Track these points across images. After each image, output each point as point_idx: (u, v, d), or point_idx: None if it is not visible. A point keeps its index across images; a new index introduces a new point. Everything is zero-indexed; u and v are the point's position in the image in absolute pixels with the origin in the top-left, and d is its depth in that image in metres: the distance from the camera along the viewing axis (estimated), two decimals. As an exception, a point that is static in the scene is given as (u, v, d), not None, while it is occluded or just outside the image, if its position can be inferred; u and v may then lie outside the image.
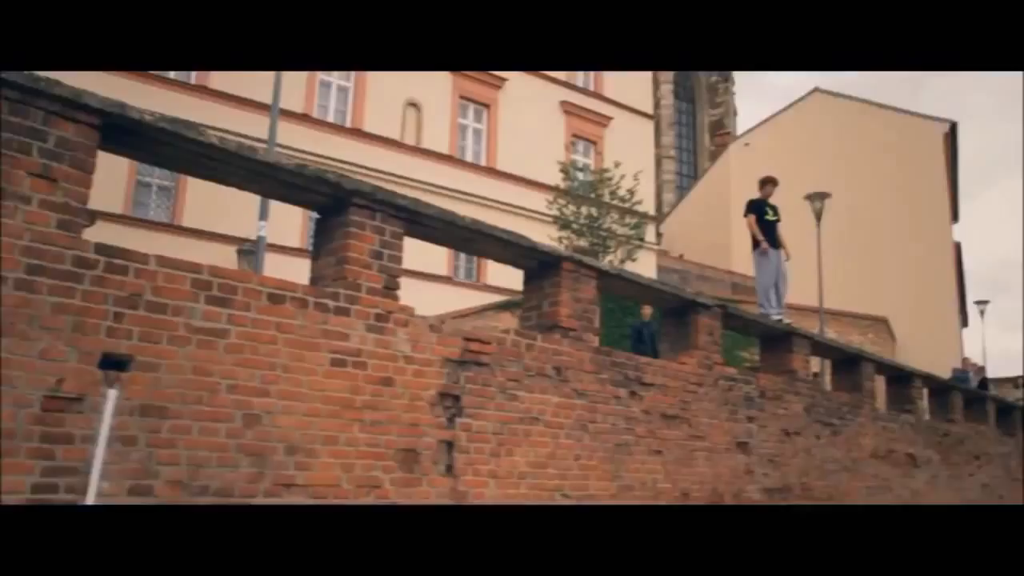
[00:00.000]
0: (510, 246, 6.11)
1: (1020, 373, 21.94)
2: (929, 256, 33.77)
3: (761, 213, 10.59)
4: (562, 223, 18.33)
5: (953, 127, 36.03)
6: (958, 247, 39.57)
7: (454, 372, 5.46)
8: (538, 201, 19.98)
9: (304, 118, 19.31)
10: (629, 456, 6.86)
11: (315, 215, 5.20)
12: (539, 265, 6.52)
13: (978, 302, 30.51)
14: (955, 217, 39.49)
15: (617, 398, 6.78)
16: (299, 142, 18.29)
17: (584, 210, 18.57)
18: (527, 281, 6.68)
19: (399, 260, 5.21)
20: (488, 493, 5.55)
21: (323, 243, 5.04)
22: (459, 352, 5.51)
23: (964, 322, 41.38)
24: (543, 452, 6.04)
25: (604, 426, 6.62)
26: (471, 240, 5.95)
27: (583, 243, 17.84)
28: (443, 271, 20.99)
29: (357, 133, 20.22)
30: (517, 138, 22.89)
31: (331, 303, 4.75)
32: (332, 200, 4.90)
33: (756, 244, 10.42)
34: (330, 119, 20.18)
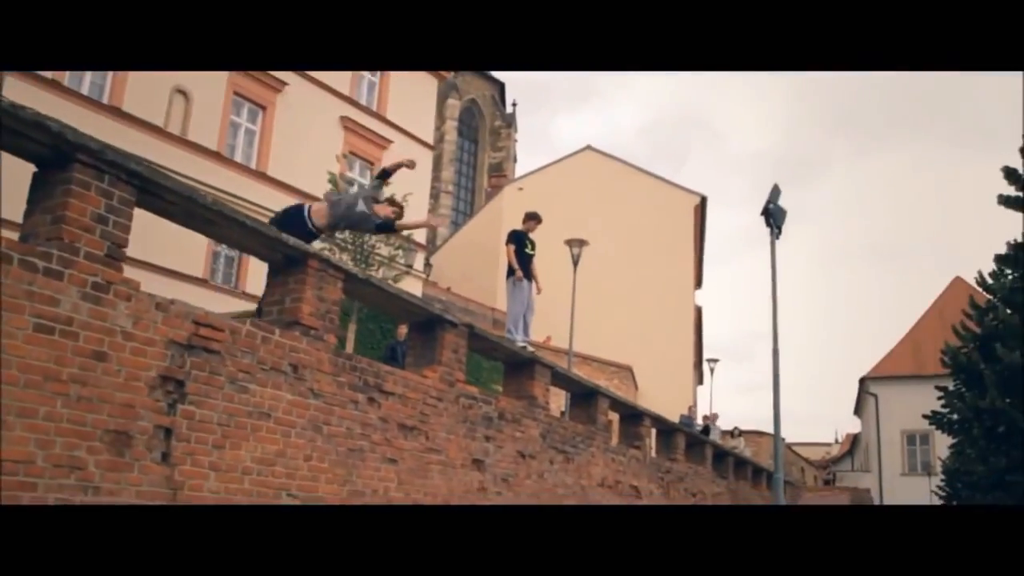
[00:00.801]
0: (255, 235, 5.90)
1: (736, 427, 24.14)
2: (673, 314, 36.45)
3: (521, 244, 10.95)
4: (326, 235, 18.02)
5: (703, 200, 39.31)
6: (699, 311, 42.92)
7: (180, 356, 5.16)
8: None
9: (53, 85, 17.61)
10: (363, 462, 6.77)
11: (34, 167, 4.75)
12: (285, 259, 6.33)
13: (709, 360, 33.31)
14: (699, 283, 42.91)
15: (355, 403, 6.69)
16: (43, 109, 16.66)
17: None
18: (272, 275, 6.47)
19: (126, 230, 4.85)
20: (207, 486, 5.26)
21: (40, 199, 4.60)
22: (187, 335, 5.21)
23: (700, 380, 44.83)
24: (271, 449, 5.82)
25: (339, 429, 6.50)
26: (213, 223, 5.67)
27: (346, 258, 17.59)
28: (199, 272, 19.94)
29: (115, 112, 18.79)
30: (292, 146, 22.22)
31: (41, 263, 4.33)
32: (53, 152, 4.49)
33: (510, 272, 10.74)
34: (84, 91, 18.59)
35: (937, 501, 32.26)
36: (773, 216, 13.02)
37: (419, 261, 27.03)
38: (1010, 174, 15.01)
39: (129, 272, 5.03)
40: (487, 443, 8.66)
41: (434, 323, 8.07)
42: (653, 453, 14.55)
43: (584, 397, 11.95)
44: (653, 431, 14.94)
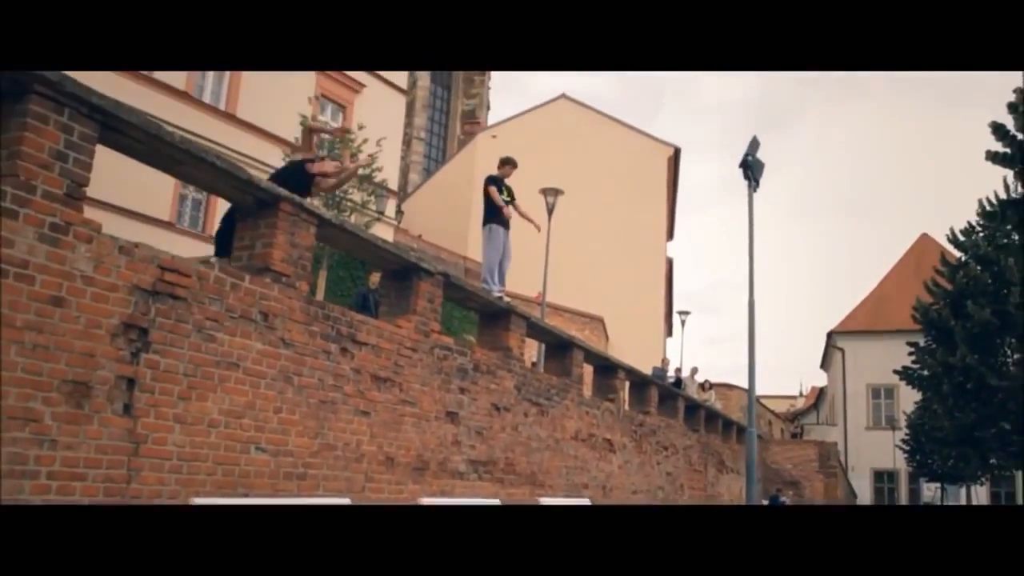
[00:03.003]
0: (224, 176, 5.60)
1: (707, 379, 24.23)
2: (645, 266, 36.43)
3: (497, 190, 10.68)
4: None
5: (677, 151, 39.07)
6: (670, 262, 42.97)
7: (144, 302, 4.90)
8: (277, 157, 19.00)
9: None
10: (334, 414, 6.57)
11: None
12: (256, 203, 6.04)
13: (680, 312, 33.33)
14: (671, 235, 42.89)
15: (327, 353, 6.47)
16: None
17: None
18: (242, 219, 6.19)
19: (88, 167, 4.56)
20: (172, 439, 5.04)
21: (-7, 132, 4.29)
22: (151, 281, 4.95)
23: (669, 332, 45.05)
24: (240, 401, 5.60)
25: (310, 380, 6.29)
26: (180, 162, 5.37)
27: (317, 203, 17.19)
28: (165, 215, 19.47)
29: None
30: (262, 88, 21.63)
31: (-7, 201, 4.05)
32: (9, 83, 4.17)
33: (486, 220, 10.48)
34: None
35: (901, 455, 32.92)
36: (751, 168, 12.83)
37: (390, 208, 26.66)
38: (998, 129, 14.84)
39: (90, 213, 4.74)
40: (462, 395, 8.50)
41: (409, 271, 7.83)
42: (626, 406, 14.52)
43: (559, 349, 11.82)
44: (627, 384, 14.91)
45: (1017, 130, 14.37)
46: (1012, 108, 14.71)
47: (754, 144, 12.71)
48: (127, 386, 4.78)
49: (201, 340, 5.30)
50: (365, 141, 17.96)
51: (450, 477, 8.29)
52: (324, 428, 6.45)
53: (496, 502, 7.97)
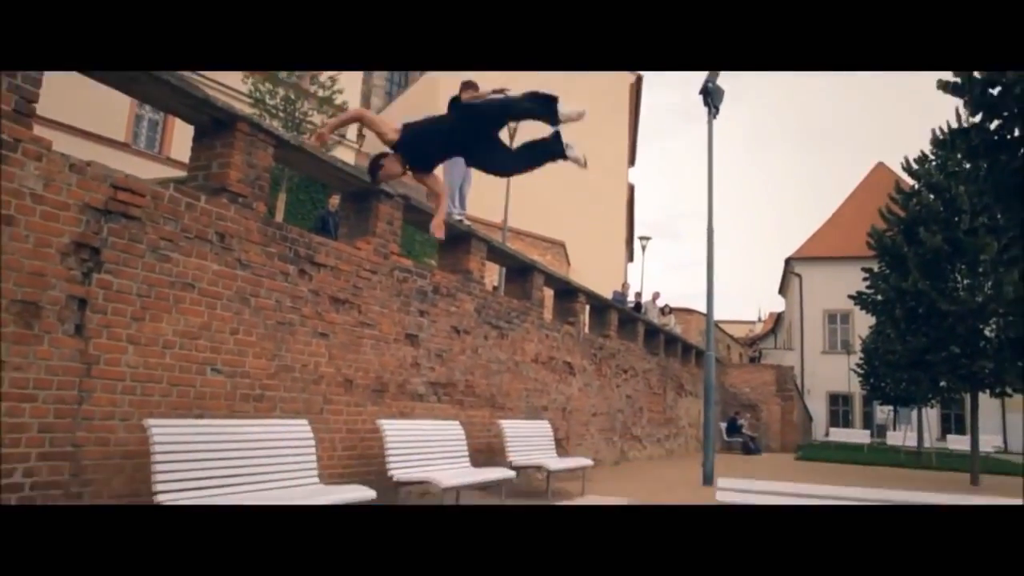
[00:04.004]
0: (180, 93, 5.48)
1: (667, 304, 24.49)
2: (607, 191, 36.34)
3: None
4: (255, 99, 17.21)
5: (639, 79, 38.75)
6: (632, 189, 42.97)
7: (96, 221, 4.83)
8: (234, 78, 18.60)
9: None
10: (292, 336, 6.59)
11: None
12: (213, 123, 5.94)
13: (641, 238, 33.48)
14: (632, 161, 42.78)
15: (285, 274, 6.45)
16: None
17: (281, 91, 17.57)
18: (197, 139, 6.08)
19: (37, 83, 4.44)
20: (125, 360, 5.03)
21: (-69, 43, 4.14)
22: (104, 200, 4.87)
23: (631, 257, 45.31)
24: (195, 322, 5.59)
25: (267, 302, 6.28)
26: (135, 80, 5.25)
27: (276, 125, 16.96)
28: (120, 135, 19.04)
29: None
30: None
31: (-66, 115, 3.94)
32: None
33: None
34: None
35: (856, 379, 33.73)
36: (711, 95, 12.80)
37: (351, 131, 26.28)
38: None
39: (41, 131, 4.64)
40: (421, 317, 8.55)
41: (369, 194, 7.79)
42: (586, 329, 14.68)
43: (519, 272, 11.87)
44: (587, 308, 15.05)
45: None
46: None
47: (714, 71, 12.65)
48: (78, 306, 4.75)
49: (155, 260, 5.25)
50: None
51: (409, 399, 8.38)
52: (282, 350, 6.47)
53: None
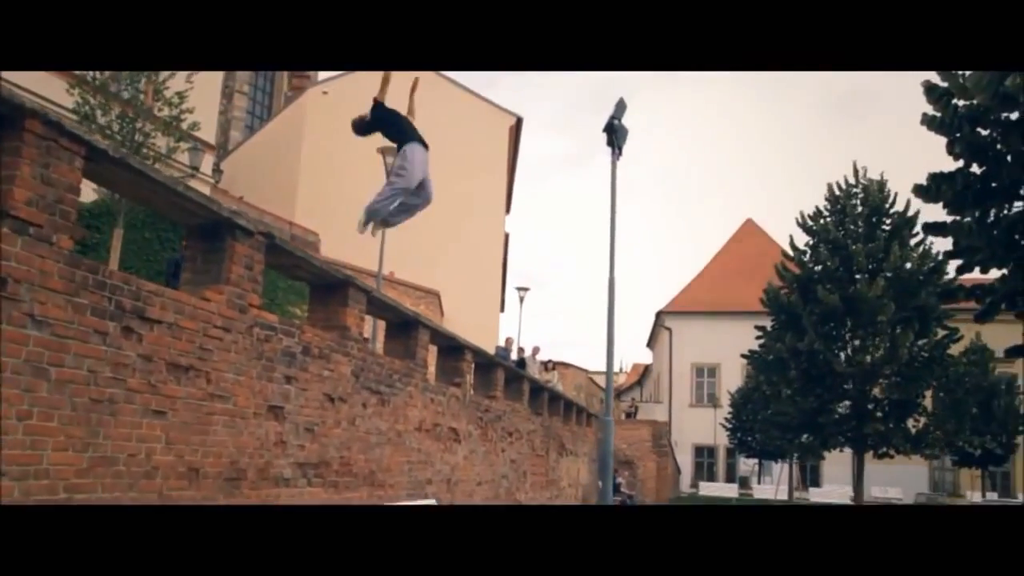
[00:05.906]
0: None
1: (550, 359, 23.44)
2: (483, 238, 35.22)
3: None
4: (83, 115, 14.56)
5: (519, 121, 38.06)
6: (507, 236, 42.13)
7: None
8: (58, 89, 15.90)
9: None
10: (113, 417, 4.86)
11: None
12: (-5, 119, 4.23)
13: (519, 288, 32.42)
14: (508, 208, 42.02)
15: (102, 334, 4.72)
16: None
17: (116, 108, 14.99)
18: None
19: None
20: None
21: None
22: None
23: (502, 307, 44.36)
24: (-41, 406, 3.84)
25: (76, 372, 4.54)
26: None
27: (103, 141, 14.43)
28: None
29: None
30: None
31: None
32: None
33: (403, 141, 8.90)
34: None
35: (720, 431, 33.74)
36: (615, 133, 11.78)
37: (207, 163, 24.11)
38: (930, 90, 11.94)
39: None
40: (288, 385, 6.91)
41: (221, 228, 6.12)
42: (471, 391, 13.26)
43: (401, 328, 10.35)
44: (472, 366, 13.66)
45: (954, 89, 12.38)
46: (929, 91, 12.88)
47: (621, 106, 11.63)
48: None
49: None
50: (172, 75, 15.37)
51: (273, 485, 6.71)
52: (98, 436, 4.73)
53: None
